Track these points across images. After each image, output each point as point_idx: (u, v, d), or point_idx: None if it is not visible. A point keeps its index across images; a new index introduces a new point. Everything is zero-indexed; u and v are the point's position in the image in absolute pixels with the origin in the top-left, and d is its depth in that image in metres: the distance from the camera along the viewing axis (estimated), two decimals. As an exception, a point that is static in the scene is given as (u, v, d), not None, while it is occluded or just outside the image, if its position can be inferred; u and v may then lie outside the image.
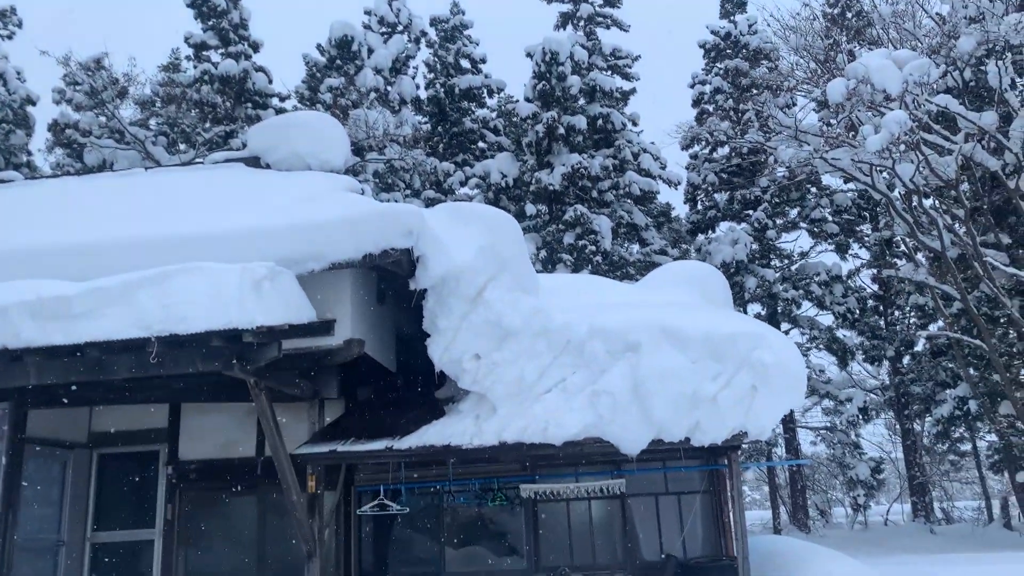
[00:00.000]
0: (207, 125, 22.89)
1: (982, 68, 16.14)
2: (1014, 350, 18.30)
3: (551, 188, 21.64)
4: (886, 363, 24.69)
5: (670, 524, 8.97)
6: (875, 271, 24.71)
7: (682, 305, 8.97)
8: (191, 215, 8.00)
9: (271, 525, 9.09)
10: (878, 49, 16.74)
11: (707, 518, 8.99)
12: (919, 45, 17.11)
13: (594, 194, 22.18)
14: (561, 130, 21.78)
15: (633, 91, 26.05)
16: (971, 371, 18.77)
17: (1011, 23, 14.31)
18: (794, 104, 22.65)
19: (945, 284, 17.55)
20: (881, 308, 25.01)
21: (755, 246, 23.62)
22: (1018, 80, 15.04)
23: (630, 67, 26.27)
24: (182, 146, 23.11)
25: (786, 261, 25.13)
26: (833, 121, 17.08)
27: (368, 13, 26.00)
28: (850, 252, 25.11)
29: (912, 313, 24.12)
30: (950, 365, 21.27)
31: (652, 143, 24.40)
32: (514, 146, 23.46)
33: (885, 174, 16.81)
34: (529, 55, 23.05)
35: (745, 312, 22.87)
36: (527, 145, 22.40)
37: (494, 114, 27.53)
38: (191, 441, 9.35)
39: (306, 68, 24.99)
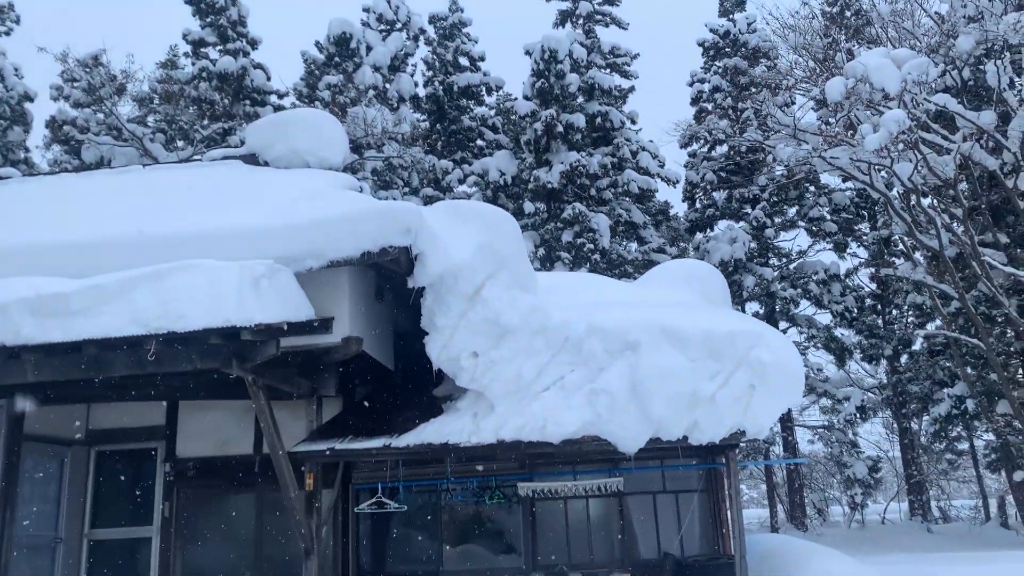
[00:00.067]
0: (205, 122, 22.87)
1: (981, 67, 16.15)
2: (1011, 349, 18.33)
3: (549, 186, 21.64)
4: (884, 362, 24.74)
5: (668, 522, 8.98)
6: (873, 270, 24.74)
7: (680, 304, 8.97)
8: (189, 212, 7.98)
9: (269, 523, 9.08)
10: (877, 48, 16.75)
11: (705, 516, 9.00)
12: (918, 44, 17.13)
13: (592, 192, 22.18)
14: (560, 128, 21.78)
15: (632, 89, 26.06)
16: (969, 370, 18.80)
17: (1010, 22, 14.32)
18: (793, 103, 22.62)
19: (943, 283, 17.57)
20: (879, 307, 25.04)
21: (753, 245, 23.65)
22: (1017, 79, 15.04)
23: (629, 65, 26.28)
24: (180, 143, 23.08)
25: (784, 260, 25.15)
26: (832, 120, 17.09)
27: (367, 10, 26.00)
28: (848, 251, 25.15)
29: (910, 312, 24.16)
30: (948, 364, 21.31)
31: (651, 141, 24.38)
32: (512, 144, 23.46)
33: (883, 173, 16.83)
34: (528, 53, 23.04)
35: (743, 311, 22.89)
36: (525, 143, 22.39)
37: (492, 112, 27.53)
38: (189, 439, 9.33)
39: (304, 65, 24.98)
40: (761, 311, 24.19)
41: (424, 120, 26.38)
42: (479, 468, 8.88)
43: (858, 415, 22.97)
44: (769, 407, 7.48)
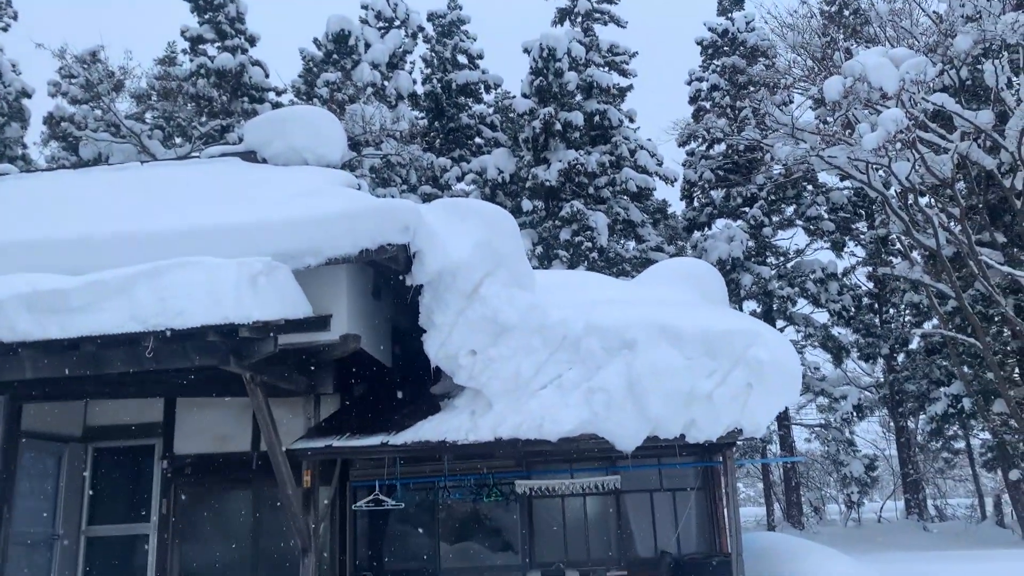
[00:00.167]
0: (203, 119, 22.85)
1: (979, 67, 16.18)
2: (1008, 348, 18.38)
3: (547, 184, 21.65)
4: (881, 361, 24.77)
5: (665, 520, 9.00)
6: (870, 269, 24.77)
7: (678, 302, 8.98)
8: (187, 209, 7.97)
9: (266, 520, 9.08)
10: (875, 47, 16.77)
11: (702, 515, 9.02)
12: (916, 43, 17.14)
13: (590, 190, 22.19)
14: (558, 126, 21.79)
15: (630, 87, 26.04)
16: (965, 369, 18.83)
17: (1008, 22, 14.33)
18: (791, 102, 22.57)
19: (940, 282, 17.60)
20: (876, 306, 25.08)
21: (751, 243, 23.67)
22: (1014, 79, 15.06)
23: (627, 63, 26.26)
24: (178, 140, 23.05)
25: (782, 258, 25.18)
26: (830, 119, 17.09)
27: (365, 8, 25.96)
28: (846, 250, 25.19)
29: (907, 311, 24.19)
30: (944, 363, 21.34)
31: (649, 140, 24.39)
32: (511, 142, 23.46)
33: (881, 172, 16.85)
34: (526, 51, 23.03)
35: (741, 309, 22.92)
36: (524, 141, 22.40)
37: (491, 110, 27.51)
38: (186, 435, 9.32)
39: (303, 62, 24.93)
40: (758, 310, 24.22)
41: (422, 118, 26.36)
42: (477, 466, 8.89)
43: (855, 414, 23.02)
44: (766, 405, 7.49)
